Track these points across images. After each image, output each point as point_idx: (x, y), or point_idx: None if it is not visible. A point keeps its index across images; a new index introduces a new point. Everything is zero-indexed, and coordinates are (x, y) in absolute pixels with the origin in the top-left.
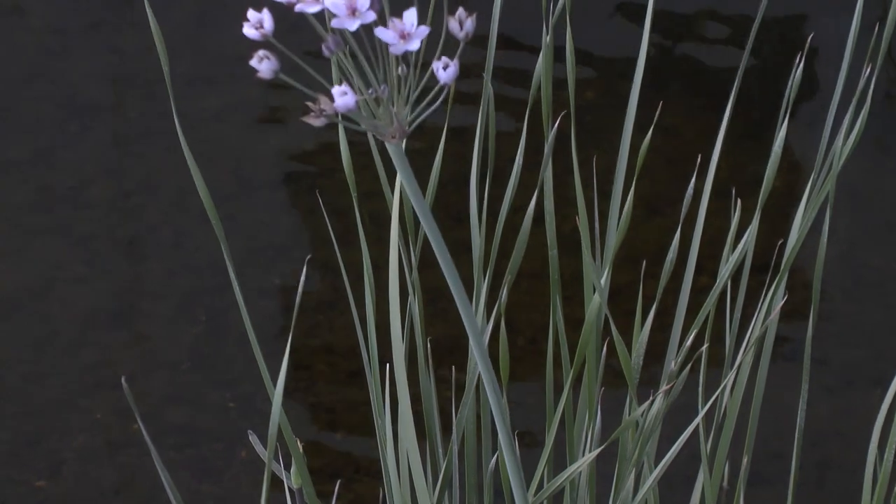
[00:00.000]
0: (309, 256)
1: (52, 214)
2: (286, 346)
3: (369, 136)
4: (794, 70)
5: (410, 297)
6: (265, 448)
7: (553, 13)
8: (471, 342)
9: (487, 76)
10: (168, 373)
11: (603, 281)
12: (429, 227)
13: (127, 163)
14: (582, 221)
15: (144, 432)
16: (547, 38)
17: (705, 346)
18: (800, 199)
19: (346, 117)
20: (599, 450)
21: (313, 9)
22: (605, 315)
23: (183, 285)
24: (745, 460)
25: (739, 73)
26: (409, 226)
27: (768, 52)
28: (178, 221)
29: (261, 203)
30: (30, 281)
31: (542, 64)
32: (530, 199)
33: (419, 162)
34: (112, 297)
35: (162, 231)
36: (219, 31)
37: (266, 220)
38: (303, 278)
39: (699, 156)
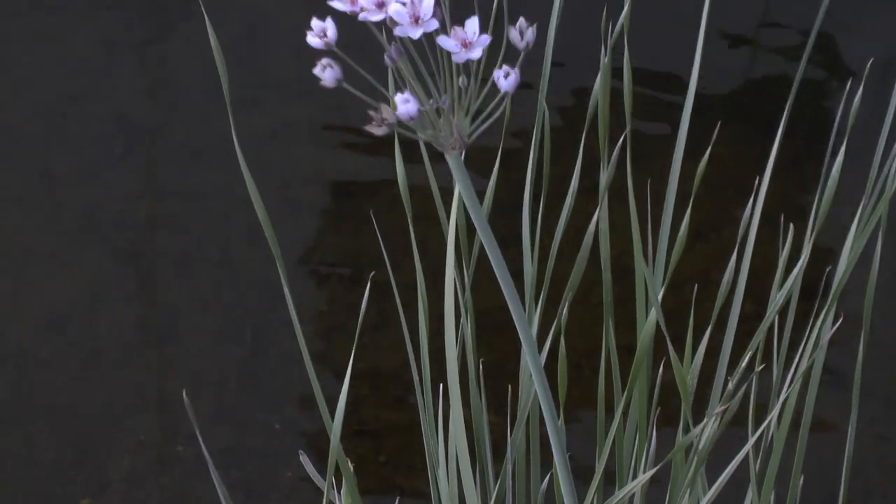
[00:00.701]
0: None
1: (99, 232)
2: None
3: (423, 154)
4: (844, 94)
5: (463, 319)
6: (314, 468)
7: (612, 30)
8: (528, 362)
9: (542, 94)
10: (213, 392)
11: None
12: (486, 238)
13: (172, 181)
14: (636, 244)
15: (204, 449)
16: (605, 59)
17: (757, 369)
18: (846, 226)
19: (405, 126)
20: (654, 470)
21: (376, 17)
22: (656, 337)
23: (228, 304)
24: (797, 483)
25: (788, 104)
26: (463, 246)
27: (812, 75)
28: (224, 240)
29: (309, 223)
30: (76, 298)
31: (599, 84)
32: (581, 221)
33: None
34: (157, 315)
35: (208, 249)
36: (266, 51)
37: (313, 241)
38: (364, 302)
39: (744, 181)
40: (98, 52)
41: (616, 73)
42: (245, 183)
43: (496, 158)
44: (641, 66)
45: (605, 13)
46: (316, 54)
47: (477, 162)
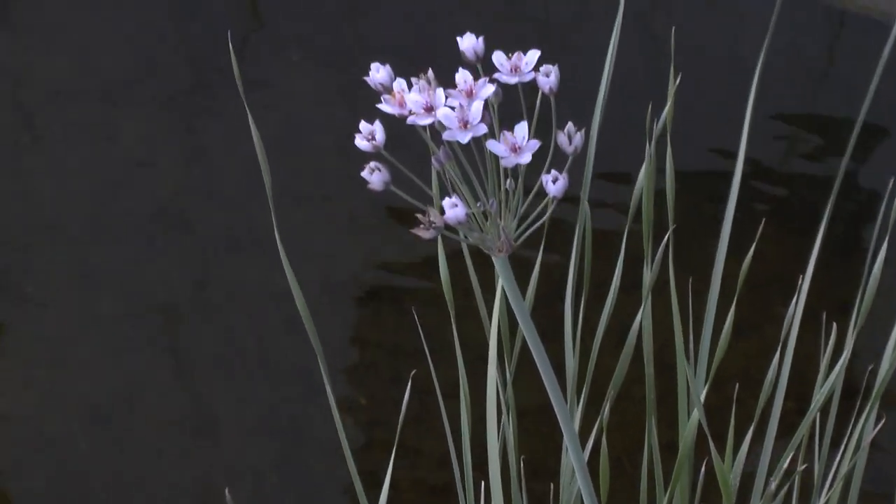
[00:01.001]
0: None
1: (141, 325)
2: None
3: (465, 252)
4: (888, 190)
5: (504, 416)
6: None
7: (654, 132)
8: (571, 458)
9: (584, 195)
10: (252, 484)
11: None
12: (531, 339)
13: (211, 273)
14: (678, 343)
15: None
16: (649, 155)
17: (799, 469)
18: (889, 323)
19: (452, 230)
20: None
21: (425, 121)
22: (698, 435)
23: (267, 395)
24: None
25: (831, 201)
26: (505, 342)
27: (855, 169)
28: (263, 332)
29: (347, 317)
30: (117, 390)
31: (643, 180)
32: (622, 317)
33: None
34: (196, 408)
35: (247, 341)
36: (308, 144)
37: (352, 334)
38: (406, 396)
39: (785, 276)
40: (139, 144)
41: (658, 168)
42: (283, 275)
43: (538, 254)
44: (684, 160)
45: (649, 110)
46: (358, 151)
47: (519, 257)
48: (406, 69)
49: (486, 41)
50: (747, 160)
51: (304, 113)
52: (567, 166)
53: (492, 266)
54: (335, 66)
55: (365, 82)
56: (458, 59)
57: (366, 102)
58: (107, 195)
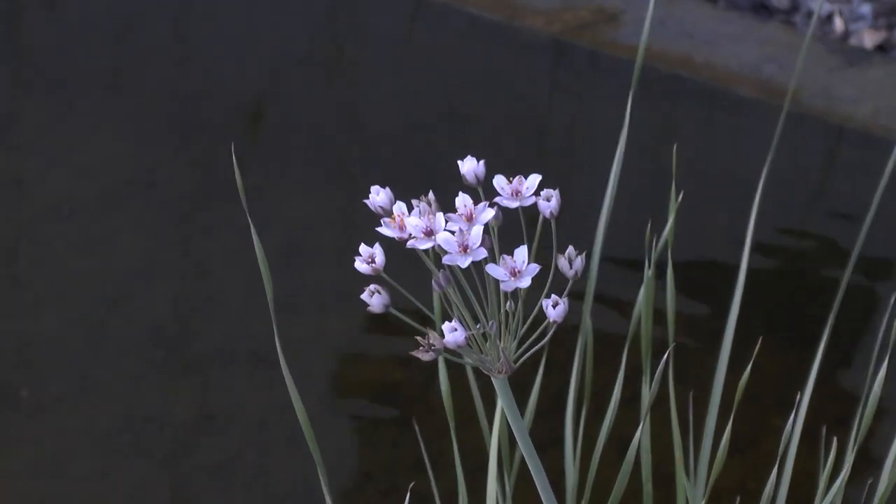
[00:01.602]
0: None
1: (137, 438)
2: None
3: (467, 367)
4: (889, 307)
5: None
6: None
7: (655, 246)
8: None
9: (586, 311)
10: None
11: None
12: (532, 462)
13: (210, 387)
14: (678, 459)
15: None
16: (649, 272)
17: None
18: (889, 439)
19: (452, 352)
20: None
21: (425, 245)
22: None
23: None
24: None
25: (831, 320)
26: (505, 455)
27: (856, 282)
28: (262, 446)
29: (347, 431)
30: None
31: (643, 299)
32: (621, 429)
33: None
34: None
35: (246, 456)
36: (306, 259)
37: (353, 449)
38: None
39: (783, 390)
40: (138, 256)
41: (658, 277)
42: (283, 389)
43: (539, 367)
44: (684, 277)
45: (649, 227)
46: (359, 275)
47: (519, 370)
48: (405, 191)
49: (486, 162)
50: (747, 275)
51: (303, 228)
52: (567, 291)
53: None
54: (335, 182)
55: (363, 197)
56: (459, 182)
57: (365, 221)
58: (104, 308)
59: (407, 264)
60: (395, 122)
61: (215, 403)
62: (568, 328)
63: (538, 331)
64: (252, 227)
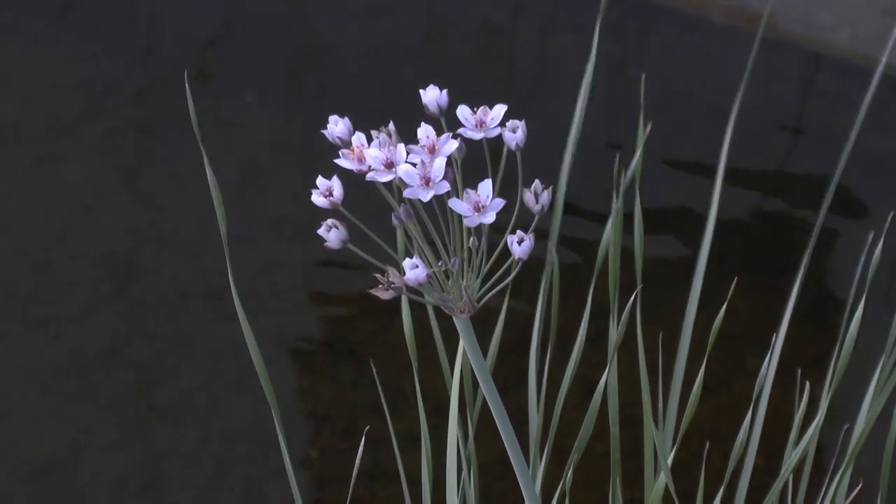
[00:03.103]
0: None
1: (84, 377)
2: None
3: (428, 305)
4: (866, 248)
5: (464, 472)
6: None
7: (622, 183)
8: None
9: (552, 246)
10: None
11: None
12: (494, 404)
13: (162, 325)
14: (645, 403)
15: None
16: (617, 204)
17: None
18: (864, 381)
19: (413, 290)
20: None
21: (385, 178)
22: (665, 497)
23: (216, 454)
24: None
25: (807, 253)
26: (468, 395)
27: (831, 223)
28: (213, 387)
29: (300, 370)
30: (58, 447)
31: (610, 233)
32: (587, 370)
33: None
34: (143, 465)
35: (196, 397)
36: (258, 192)
37: (306, 388)
38: (360, 451)
39: (756, 331)
40: (85, 187)
41: (626, 217)
42: (236, 326)
43: (503, 306)
44: (653, 212)
45: (617, 159)
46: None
47: (482, 308)
48: (366, 122)
49: (449, 93)
50: (719, 211)
51: (257, 157)
52: (533, 226)
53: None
54: (291, 110)
55: (320, 126)
56: (421, 112)
57: (323, 151)
58: (50, 240)
59: (365, 198)
60: (356, 46)
61: (166, 342)
62: (533, 264)
63: (502, 269)
64: (205, 155)
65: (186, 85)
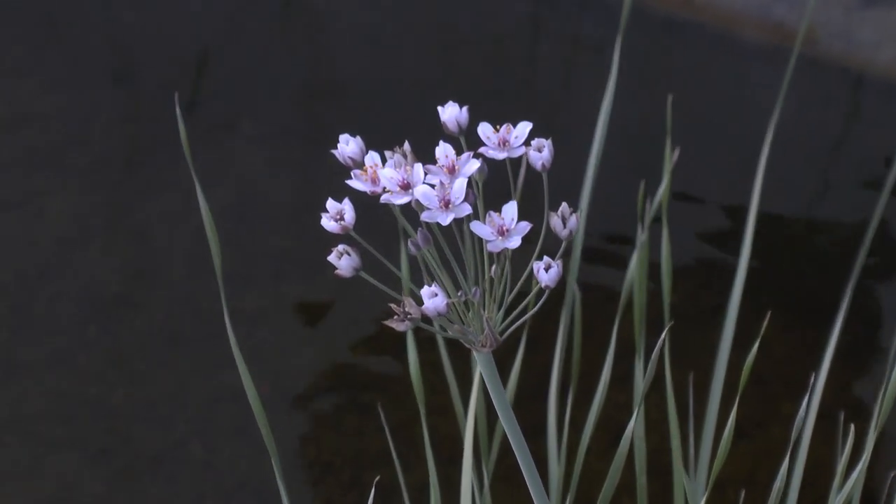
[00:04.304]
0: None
1: (69, 425)
2: None
3: (437, 338)
4: None
5: None
6: None
7: (648, 213)
8: None
9: (572, 277)
10: None
11: None
12: (518, 446)
13: (152, 369)
14: (675, 448)
15: None
16: (643, 237)
17: None
18: None
19: (430, 322)
20: None
21: (401, 200)
22: None
23: None
24: None
25: (849, 290)
26: (483, 441)
27: (870, 259)
28: (209, 436)
29: (304, 417)
30: (41, 502)
31: (635, 268)
32: (612, 412)
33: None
34: None
35: (191, 446)
36: (257, 225)
37: (311, 437)
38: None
39: (793, 372)
40: (68, 221)
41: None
42: (232, 370)
43: (520, 341)
44: (682, 243)
45: (642, 187)
46: (315, 229)
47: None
48: (378, 144)
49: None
50: (753, 243)
51: (254, 187)
52: (561, 252)
53: (466, 354)
54: (290, 138)
55: (322, 157)
56: (439, 131)
57: (324, 175)
58: (31, 279)
59: (379, 222)
60: (363, 65)
61: (156, 387)
62: (552, 298)
63: (527, 299)
64: (198, 186)
65: (178, 111)
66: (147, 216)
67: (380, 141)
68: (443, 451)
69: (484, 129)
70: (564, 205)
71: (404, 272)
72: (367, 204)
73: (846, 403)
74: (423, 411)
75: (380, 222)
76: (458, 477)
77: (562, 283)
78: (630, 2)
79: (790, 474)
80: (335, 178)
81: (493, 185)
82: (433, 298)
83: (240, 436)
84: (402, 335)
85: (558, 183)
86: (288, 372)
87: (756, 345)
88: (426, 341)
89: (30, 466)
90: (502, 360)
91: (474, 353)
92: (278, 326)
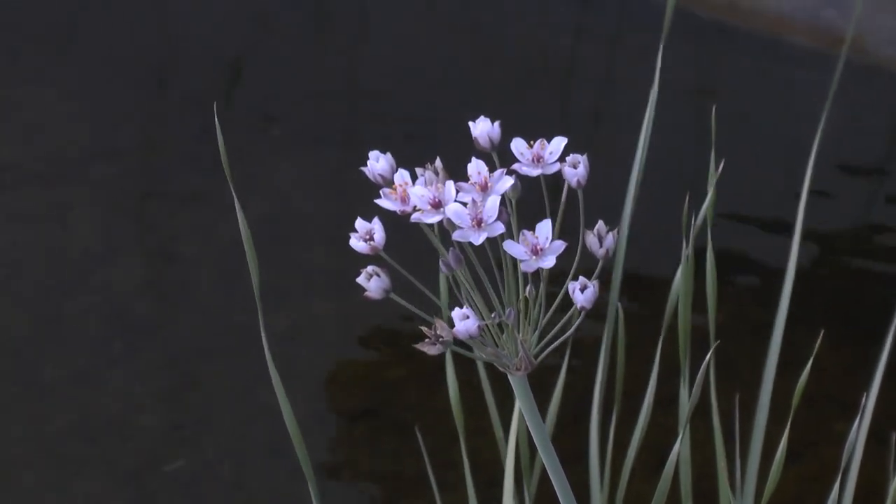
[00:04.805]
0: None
1: (96, 445)
2: None
3: (478, 361)
4: None
5: None
6: None
7: (694, 222)
8: None
9: (614, 294)
10: None
11: None
12: (555, 472)
13: (180, 387)
14: (721, 470)
15: None
16: (687, 251)
17: None
18: None
19: (463, 344)
20: None
21: (432, 219)
22: None
23: None
24: None
25: None
26: (524, 466)
27: None
28: (239, 457)
29: (339, 439)
30: None
31: (680, 283)
32: (656, 435)
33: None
34: None
35: (220, 468)
36: (290, 239)
37: (346, 459)
38: None
39: (844, 391)
40: (94, 236)
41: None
42: (266, 389)
43: (562, 366)
44: (727, 258)
45: (687, 200)
46: (354, 252)
47: (538, 366)
48: (410, 157)
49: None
50: (801, 257)
51: (285, 199)
52: (597, 272)
53: (506, 375)
54: (323, 144)
55: (355, 164)
56: (470, 147)
57: (359, 188)
58: (57, 296)
59: (409, 241)
60: (395, 76)
61: (186, 406)
62: (593, 316)
63: (563, 320)
64: (235, 197)
65: (216, 117)
66: (175, 229)
67: (413, 154)
68: (482, 475)
69: (517, 145)
70: (601, 223)
71: (443, 296)
72: (397, 222)
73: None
74: (462, 434)
75: (411, 241)
76: (500, 500)
77: (602, 301)
78: (673, 6)
79: (840, 499)
80: (370, 191)
81: (527, 203)
82: (464, 321)
83: (272, 457)
84: (441, 357)
85: (598, 196)
86: (323, 392)
87: (809, 365)
88: (465, 361)
89: (55, 487)
90: (543, 379)
91: (510, 378)
92: (313, 343)
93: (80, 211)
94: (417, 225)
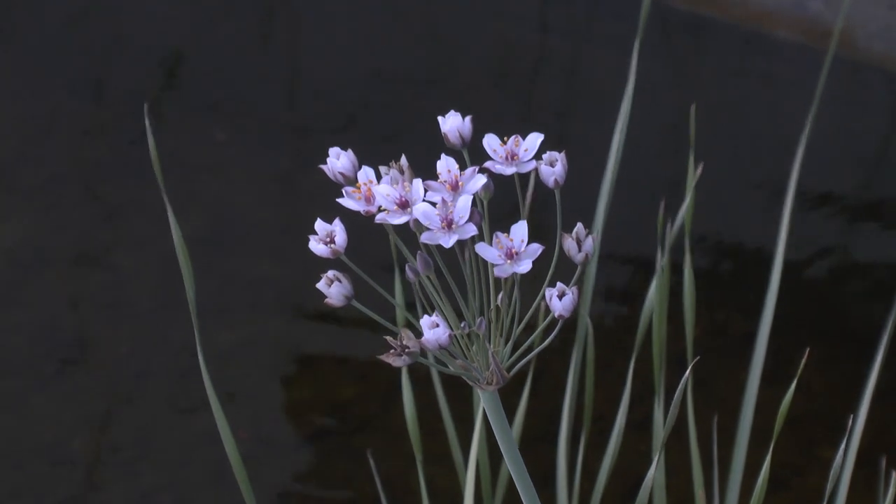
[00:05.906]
0: None
1: (23, 473)
2: None
3: (434, 377)
4: None
5: None
6: None
7: (670, 230)
8: None
9: (584, 309)
10: None
11: None
12: (527, 494)
13: (115, 411)
14: (699, 496)
15: None
16: (663, 261)
17: None
18: None
19: (430, 356)
20: None
21: (398, 220)
22: None
23: None
24: None
25: (890, 323)
26: (485, 491)
27: None
28: (179, 487)
29: (287, 465)
30: None
31: (654, 296)
32: (629, 459)
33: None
34: None
35: (158, 499)
36: (234, 250)
37: (293, 487)
38: None
39: (831, 414)
40: (23, 248)
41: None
42: (208, 414)
43: (526, 381)
44: (706, 269)
45: (662, 206)
46: (303, 254)
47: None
48: (367, 159)
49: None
50: (787, 268)
51: (230, 207)
52: (576, 278)
53: (466, 397)
54: (271, 149)
55: (308, 166)
56: (439, 144)
57: (310, 191)
58: None
59: (374, 245)
60: (350, 70)
61: (121, 432)
62: (563, 329)
63: (538, 330)
64: (168, 206)
65: (146, 121)
66: (109, 242)
67: (374, 153)
68: (440, 502)
69: (490, 142)
70: (580, 225)
71: (399, 300)
72: (359, 225)
73: (888, 447)
74: (419, 458)
75: (375, 245)
76: None
77: (574, 313)
78: None
79: None
80: (323, 195)
81: (501, 204)
82: (434, 329)
83: (214, 486)
84: (396, 372)
85: (571, 199)
86: (268, 414)
87: (793, 385)
88: (422, 380)
89: None
90: (505, 400)
91: (478, 392)
92: (257, 363)
93: (7, 222)
94: (382, 227)
